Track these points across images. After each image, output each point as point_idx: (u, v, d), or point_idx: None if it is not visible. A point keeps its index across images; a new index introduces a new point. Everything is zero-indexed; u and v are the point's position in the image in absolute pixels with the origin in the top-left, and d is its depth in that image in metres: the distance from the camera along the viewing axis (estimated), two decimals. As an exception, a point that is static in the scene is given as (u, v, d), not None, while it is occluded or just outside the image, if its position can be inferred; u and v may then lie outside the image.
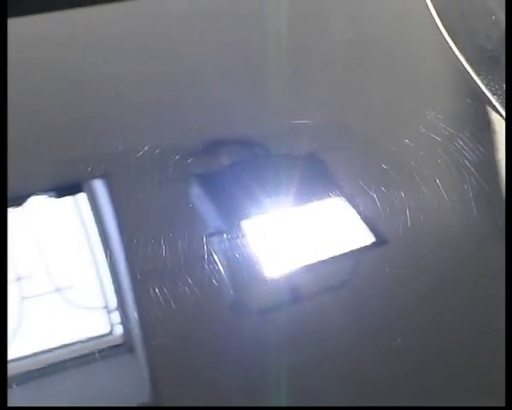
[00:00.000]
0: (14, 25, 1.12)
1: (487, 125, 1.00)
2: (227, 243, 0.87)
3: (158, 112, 1.02)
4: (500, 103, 0.98)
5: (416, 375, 0.84)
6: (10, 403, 0.78)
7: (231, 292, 0.85)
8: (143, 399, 0.80)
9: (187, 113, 1.02)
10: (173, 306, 0.82)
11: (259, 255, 0.87)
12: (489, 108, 1.00)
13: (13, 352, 0.80)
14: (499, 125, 0.98)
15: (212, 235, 0.88)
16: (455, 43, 1.03)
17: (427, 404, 0.82)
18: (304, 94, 1.03)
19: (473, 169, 0.94)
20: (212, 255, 0.85)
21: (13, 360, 0.79)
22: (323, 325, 0.84)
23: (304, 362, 0.81)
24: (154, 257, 0.85)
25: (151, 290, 0.83)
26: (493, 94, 0.98)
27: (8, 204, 0.91)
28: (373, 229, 0.90)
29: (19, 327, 0.81)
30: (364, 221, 0.90)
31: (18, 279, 0.85)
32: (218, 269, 0.84)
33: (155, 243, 0.86)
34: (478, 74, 1.01)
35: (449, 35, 1.05)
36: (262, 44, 1.09)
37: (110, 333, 0.82)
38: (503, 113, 0.98)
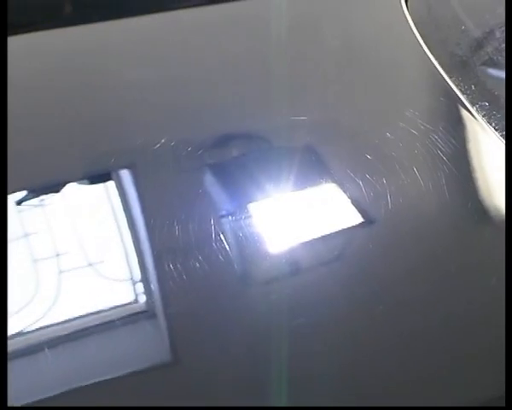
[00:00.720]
0: (60, 36, 1.14)
1: (458, 121, 0.99)
2: (232, 224, 0.88)
3: (173, 111, 1.02)
4: (469, 102, 0.97)
5: (399, 337, 0.82)
6: (54, 363, 0.77)
7: (235, 267, 0.85)
8: (160, 357, 0.80)
9: (198, 111, 1.02)
10: (185, 278, 0.82)
11: (260, 235, 0.87)
12: (459, 106, 0.99)
13: (51, 317, 0.79)
14: (468, 120, 0.97)
15: (219, 217, 0.88)
16: (430, 50, 1.03)
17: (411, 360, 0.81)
18: (299, 95, 1.03)
19: (445, 159, 0.94)
20: (219, 235, 0.86)
21: (51, 325, 0.79)
22: (317, 293, 0.83)
23: (301, 325, 0.80)
24: (169, 237, 0.86)
25: (166, 265, 0.83)
26: (463, 93, 0.98)
27: (47, 191, 0.92)
28: (359, 210, 0.90)
29: (57, 297, 0.81)
30: (352, 204, 0.90)
31: (57, 255, 0.85)
32: (224, 247, 0.85)
33: (170, 224, 0.87)
34: (450, 77, 1.00)
35: (424, 43, 1.04)
36: (263, 53, 1.10)
37: (133, 302, 0.83)
38: (472, 110, 0.97)
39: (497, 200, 0.93)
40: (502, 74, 1.00)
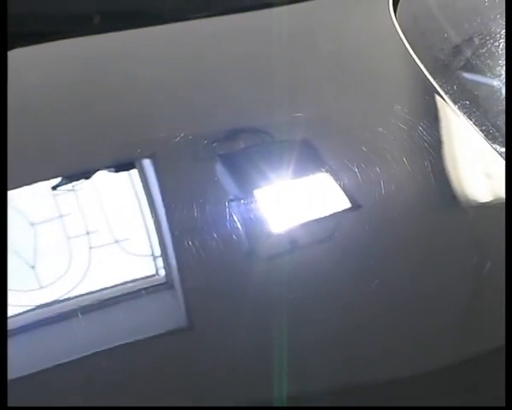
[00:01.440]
0: (96, 42, 1.15)
1: (441, 117, 0.99)
2: (243, 206, 0.87)
3: (191, 108, 1.02)
4: (451, 100, 0.97)
5: (393, 312, 0.81)
6: (86, 328, 0.77)
7: (247, 244, 0.85)
8: (178, 323, 0.80)
9: (213, 109, 1.02)
10: (202, 255, 0.82)
11: (268, 216, 0.87)
12: (443, 104, 0.99)
13: (83, 288, 0.79)
14: (451, 116, 0.97)
15: (232, 200, 0.88)
16: (416, 55, 1.03)
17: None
18: (300, 95, 1.02)
19: (431, 150, 0.94)
20: (232, 216, 0.86)
21: (81, 295, 0.79)
22: (316, 268, 0.83)
23: (302, 296, 0.80)
24: (188, 217, 0.86)
25: (186, 243, 0.83)
26: (446, 93, 0.98)
27: (79, 177, 0.92)
28: (355, 196, 0.89)
29: (87, 270, 0.81)
30: (348, 190, 0.89)
31: (87, 233, 0.85)
32: (237, 227, 0.85)
33: (189, 206, 0.86)
34: (434, 78, 1.00)
35: (412, 49, 1.04)
36: (268, 60, 1.09)
37: (155, 275, 0.83)
38: (454, 108, 0.97)
39: (475, 184, 0.93)
40: (480, 77, 1.00)
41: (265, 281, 0.82)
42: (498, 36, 1.02)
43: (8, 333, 0.76)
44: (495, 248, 0.86)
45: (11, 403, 0.70)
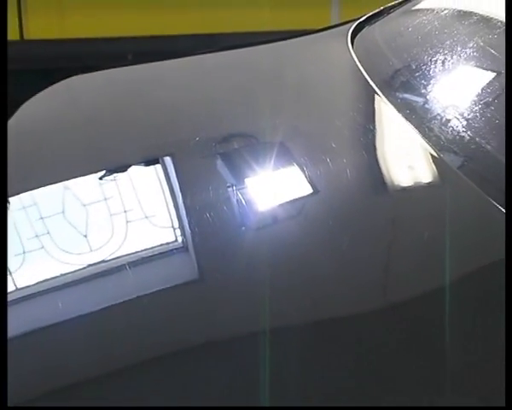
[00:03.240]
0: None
1: (387, 120, 0.98)
2: (245, 189, 0.87)
3: (207, 120, 1.02)
4: (396, 108, 0.95)
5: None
6: (122, 276, 0.76)
7: (251, 216, 0.83)
8: (191, 275, 0.79)
9: (215, 121, 1.02)
10: (217, 224, 0.81)
11: (262, 198, 0.86)
12: (389, 111, 0.96)
13: (121, 251, 0.78)
14: (395, 121, 0.95)
15: (237, 185, 0.87)
16: (369, 76, 1.02)
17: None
18: (283, 111, 1.01)
19: (376, 145, 0.93)
20: (237, 195, 0.84)
21: (121, 256, 0.78)
22: (300, 238, 0.80)
23: (289, 259, 0.77)
24: (203, 198, 0.85)
25: (204, 215, 0.82)
26: (391, 103, 0.96)
27: (118, 171, 0.91)
28: (328, 180, 0.87)
29: (125, 238, 0.80)
30: (323, 176, 0.87)
31: (125, 211, 0.85)
32: (241, 202, 0.83)
33: (204, 190, 0.85)
34: (382, 92, 0.98)
35: (365, 72, 1.02)
36: (253, 86, 1.10)
37: (175, 241, 0.82)
38: (397, 113, 0.94)
39: (411, 173, 0.90)
40: (415, 92, 0.98)
41: (260, 243, 0.80)
42: (429, 62, 1.00)
43: (68, 284, 0.76)
44: (413, 223, 0.82)
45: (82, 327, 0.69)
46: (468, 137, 0.85)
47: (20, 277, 0.77)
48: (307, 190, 0.86)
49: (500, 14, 1.01)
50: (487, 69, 0.96)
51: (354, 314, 0.70)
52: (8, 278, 0.78)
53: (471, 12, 1.07)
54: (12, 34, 2.33)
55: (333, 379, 0.64)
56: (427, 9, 1.16)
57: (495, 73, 0.95)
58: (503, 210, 0.73)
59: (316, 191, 0.86)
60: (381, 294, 0.74)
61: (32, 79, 1.14)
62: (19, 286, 0.77)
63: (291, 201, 0.85)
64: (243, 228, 0.83)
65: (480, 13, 1.06)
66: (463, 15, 1.09)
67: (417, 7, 1.18)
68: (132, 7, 2.27)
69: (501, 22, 1.00)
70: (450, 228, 0.75)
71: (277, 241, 0.80)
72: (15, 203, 0.87)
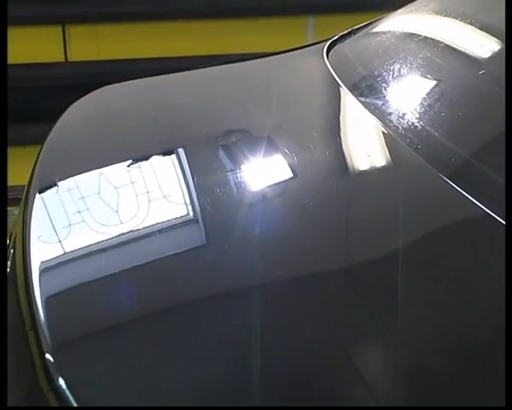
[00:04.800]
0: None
1: (355, 114, 0.96)
2: (242, 173, 0.85)
3: (211, 119, 1.00)
4: (364, 106, 0.92)
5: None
6: (147, 243, 0.75)
7: (246, 194, 0.82)
8: (200, 241, 0.77)
9: (222, 120, 1.00)
10: (220, 201, 0.79)
11: (254, 180, 0.84)
12: (358, 108, 0.93)
13: (145, 223, 0.77)
14: (362, 115, 0.92)
15: (235, 170, 0.86)
16: (342, 82, 1.00)
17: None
18: (271, 111, 0.98)
19: (347, 134, 0.93)
20: (236, 178, 0.83)
21: (145, 227, 0.76)
22: (284, 211, 0.78)
23: (281, 230, 0.75)
24: (209, 180, 0.83)
25: (209, 194, 0.80)
26: (360, 102, 0.93)
27: (142, 160, 0.89)
28: (312, 164, 0.85)
29: (148, 213, 0.79)
30: (303, 162, 0.85)
31: (147, 192, 0.84)
32: (239, 183, 0.82)
33: (210, 174, 0.84)
34: (352, 94, 0.96)
35: (339, 80, 1.00)
36: (251, 95, 1.07)
37: (187, 214, 0.81)
38: (365, 109, 0.92)
39: (374, 149, 0.89)
40: (379, 93, 0.96)
41: (252, 215, 0.79)
42: (388, 70, 0.99)
43: (103, 249, 0.75)
44: (378, 193, 0.80)
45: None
46: (420, 127, 0.84)
47: (67, 243, 0.77)
48: (289, 173, 0.86)
49: (440, 34, 1.01)
50: (433, 74, 0.96)
51: (320, 270, 0.69)
52: (57, 245, 0.78)
53: (418, 33, 1.07)
54: (58, 57, 2.38)
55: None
56: (386, 31, 1.15)
57: (440, 77, 0.95)
58: (450, 182, 0.73)
59: (296, 174, 0.85)
60: (343, 255, 0.73)
61: (74, 92, 1.14)
62: (66, 250, 0.76)
63: (277, 181, 0.84)
64: (241, 204, 0.81)
65: (425, 34, 1.05)
66: (413, 35, 1.09)
67: (378, 29, 1.18)
68: (152, 35, 2.41)
69: (441, 39, 1.00)
70: (406, 197, 0.75)
71: (266, 213, 0.79)
72: (62, 186, 0.87)
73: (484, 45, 0.94)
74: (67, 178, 0.88)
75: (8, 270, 0.82)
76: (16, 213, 0.90)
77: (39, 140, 0.99)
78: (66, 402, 0.56)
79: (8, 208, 0.80)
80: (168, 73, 1.14)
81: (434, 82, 0.94)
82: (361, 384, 0.57)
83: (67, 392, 0.57)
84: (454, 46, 0.98)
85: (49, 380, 0.58)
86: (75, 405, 0.56)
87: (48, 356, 0.60)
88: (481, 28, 0.95)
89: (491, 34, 0.94)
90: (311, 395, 0.55)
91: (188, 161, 0.90)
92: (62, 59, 2.38)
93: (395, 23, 1.17)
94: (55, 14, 2.36)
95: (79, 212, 0.81)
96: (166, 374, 0.58)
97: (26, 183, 0.90)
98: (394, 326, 0.61)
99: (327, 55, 1.09)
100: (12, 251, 0.84)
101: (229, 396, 0.56)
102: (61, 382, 0.57)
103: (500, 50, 0.92)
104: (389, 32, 1.14)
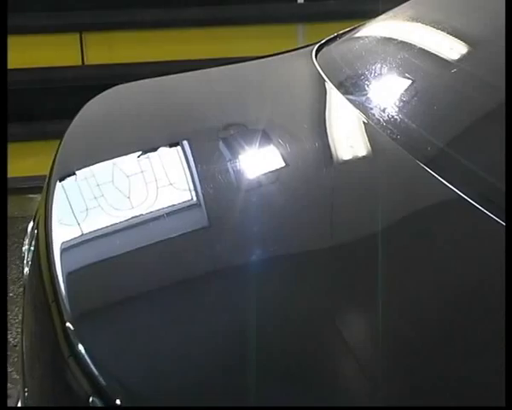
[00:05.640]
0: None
1: (341, 108, 0.94)
2: (239, 161, 0.83)
3: (212, 114, 0.98)
4: (355, 106, 0.90)
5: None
6: (155, 225, 0.74)
7: (243, 181, 0.81)
8: (202, 222, 0.76)
9: (221, 115, 0.98)
10: (220, 187, 0.78)
11: (251, 167, 0.83)
12: (343, 103, 0.92)
13: (154, 207, 0.76)
14: (346, 108, 0.91)
15: (233, 159, 0.84)
16: (329, 80, 0.98)
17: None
18: (265, 106, 0.97)
19: (334, 125, 0.91)
20: (235, 166, 0.81)
21: (154, 210, 0.75)
22: (277, 194, 0.77)
23: (270, 206, 0.74)
24: (210, 168, 0.82)
25: (210, 181, 0.79)
26: (345, 98, 0.93)
27: (152, 151, 0.88)
28: (303, 152, 0.84)
29: (156, 198, 0.78)
30: (300, 149, 0.85)
31: (155, 179, 0.83)
32: (237, 171, 0.81)
33: (210, 162, 0.83)
34: (338, 90, 0.95)
35: (327, 78, 0.99)
36: (248, 92, 1.06)
37: (191, 199, 0.79)
38: (350, 104, 0.90)
39: (358, 139, 0.88)
40: (362, 89, 0.95)
41: (249, 200, 0.77)
42: (370, 69, 0.98)
43: (116, 230, 0.74)
44: (362, 175, 0.79)
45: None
46: (398, 119, 0.83)
47: (84, 225, 0.77)
48: (283, 161, 0.85)
49: (415, 38, 1.01)
50: (410, 73, 0.95)
51: (309, 245, 0.68)
52: (76, 226, 0.77)
53: (396, 37, 1.06)
54: (76, 61, 2.41)
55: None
56: (368, 35, 1.14)
57: (416, 76, 0.94)
58: (425, 167, 0.72)
59: (289, 161, 0.84)
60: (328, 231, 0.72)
61: (90, 91, 1.14)
62: (83, 231, 0.76)
63: (271, 168, 0.83)
64: (239, 188, 0.80)
65: (402, 38, 1.05)
66: (391, 39, 1.08)
67: (361, 34, 1.17)
68: (159, 41, 2.44)
69: (416, 43, 0.99)
70: (386, 179, 0.75)
71: (261, 196, 0.78)
72: (79, 175, 0.86)
73: (453, 47, 0.93)
74: (84, 167, 0.87)
75: (33, 249, 0.82)
76: (39, 199, 0.89)
77: (60, 134, 0.98)
78: (85, 366, 0.56)
79: (32, 195, 0.79)
80: (172, 74, 1.13)
81: (411, 80, 0.94)
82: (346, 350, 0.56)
83: (86, 357, 0.57)
84: (428, 48, 0.98)
85: (70, 346, 0.58)
86: (93, 369, 0.55)
87: (68, 325, 0.60)
88: (451, 33, 0.95)
89: (460, 38, 0.94)
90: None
91: (191, 151, 0.89)
92: (79, 63, 2.42)
93: (376, 28, 1.16)
94: (73, 23, 2.42)
95: (95, 197, 0.81)
96: (175, 340, 0.58)
97: (47, 173, 0.90)
98: (373, 296, 0.60)
99: (315, 57, 1.08)
100: (36, 232, 0.83)
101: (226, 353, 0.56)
102: (81, 348, 0.57)
103: (467, 51, 0.92)
104: (370, 36, 1.13)
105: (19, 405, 0.85)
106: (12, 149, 2.58)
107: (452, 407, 0.48)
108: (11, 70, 2.36)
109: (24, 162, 2.39)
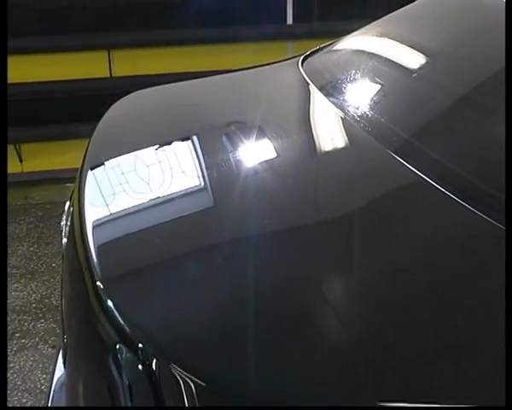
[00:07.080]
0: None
1: (323, 108, 0.91)
2: (240, 153, 0.81)
3: (215, 114, 0.95)
4: (334, 104, 0.87)
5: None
6: (169, 206, 0.73)
7: (244, 169, 0.78)
8: (209, 202, 0.73)
9: (223, 115, 0.96)
10: (224, 174, 0.76)
11: (249, 158, 0.81)
12: (326, 105, 0.89)
13: (166, 191, 0.74)
14: (329, 109, 0.88)
15: (234, 151, 0.82)
16: (313, 84, 0.96)
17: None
18: (260, 107, 0.94)
19: (317, 123, 0.89)
20: (235, 157, 0.79)
21: (162, 196, 0.74)
22: (272, 181, 0.75)
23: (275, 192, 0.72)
24: (215, 159, 0.79)
25: (216, 169, 0.77)
26: (328, 100, 0.90)
27: (166, 144, 0.85)
28: (292, 143, 0.83)
29: (170, 183, 0.76)
30: (289, 141, 0.83)
31: (170, 168, 0.81)
32: (238, 161, 0.79)
33: (215, 154, 0.80)
34: (321, 93, 0.92)
35: (311, 82, 0.97)
36: (245, 95, 1.02)
37: (200, 184, 0.77)
38: (332, 106, 0.87)
39: (337, 133, 0.85)
40: (340, 91, 0.93)
41: (248, 186, 0.75)
42: (348, 75, 0.96)
43: (138, 211, 0.73)
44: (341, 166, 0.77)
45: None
46: (370, 115, 0.83)
47: (111, 206, 0.76)
48: (275, 151, 0.83)
49: (384, 50, 0.99)
50: (380, 77, 0.94)
51: (296, 221, 0.67)
52: (104, 207, 0.76)
53: (368, 49, 1.05)
54: (104, 73, 2.46)
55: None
56: (345, 48, 1.12)
57: (384, 80, 0.93)
58: (393, 154, 0.71)
59: (280, 152, 0.82)
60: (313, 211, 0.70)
61: (117, 98, 1.12)
62: (111, 212, 0.75)
63: (265, 158, 0.81)
64: (239, 174, 0.78)
65: (373, 49, 1.03)
66: (364, 51, 1.07)
67: (339, 47, 1.15)
68: (174, 56, 2.49)
69: (384, 53, 0.98)
70: (360, 165, 0.74)
71: (258, 179, 0.77)
72: (107, 165, 0.84)
73: (413, 57, 0.93)
74: (111, 158, 0.86)
75: (69, 224, 0.81)
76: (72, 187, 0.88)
77: (92, 134, 0.96)
78: (112, 319, 0.55)
79: (70, 184, 0.77)
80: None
81: (380, 83, 0.93)
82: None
83: (113, 311, 0.56)
84: (393, 58, 0.97)
85: (100, 303, 0.58)
86: (119, 320, 0.55)
87: (99, 284, 0.60)
88: (411, 45, 0.95)
89: (419, 49, 0.93)
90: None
91: (200, 145, 0.87)
92: (108, 75, 2.47)
93: (351, 42, 1.14)
94: (102, 42, 2.47)
95: (120, 183, 0.80)
96: (189, 298, 0.57)
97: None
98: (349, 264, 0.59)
99: (301, 65, 1.07)
100: (71, 210, 0.83)
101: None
102: (110, 303, 0.57)
103: (425, 60, 0.91)
104: (347, 48, 1.12)
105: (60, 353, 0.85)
106: (54, 146, 2.59)
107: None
108: (54, 81, 2.41)
109: (63, 157, 2.43)
